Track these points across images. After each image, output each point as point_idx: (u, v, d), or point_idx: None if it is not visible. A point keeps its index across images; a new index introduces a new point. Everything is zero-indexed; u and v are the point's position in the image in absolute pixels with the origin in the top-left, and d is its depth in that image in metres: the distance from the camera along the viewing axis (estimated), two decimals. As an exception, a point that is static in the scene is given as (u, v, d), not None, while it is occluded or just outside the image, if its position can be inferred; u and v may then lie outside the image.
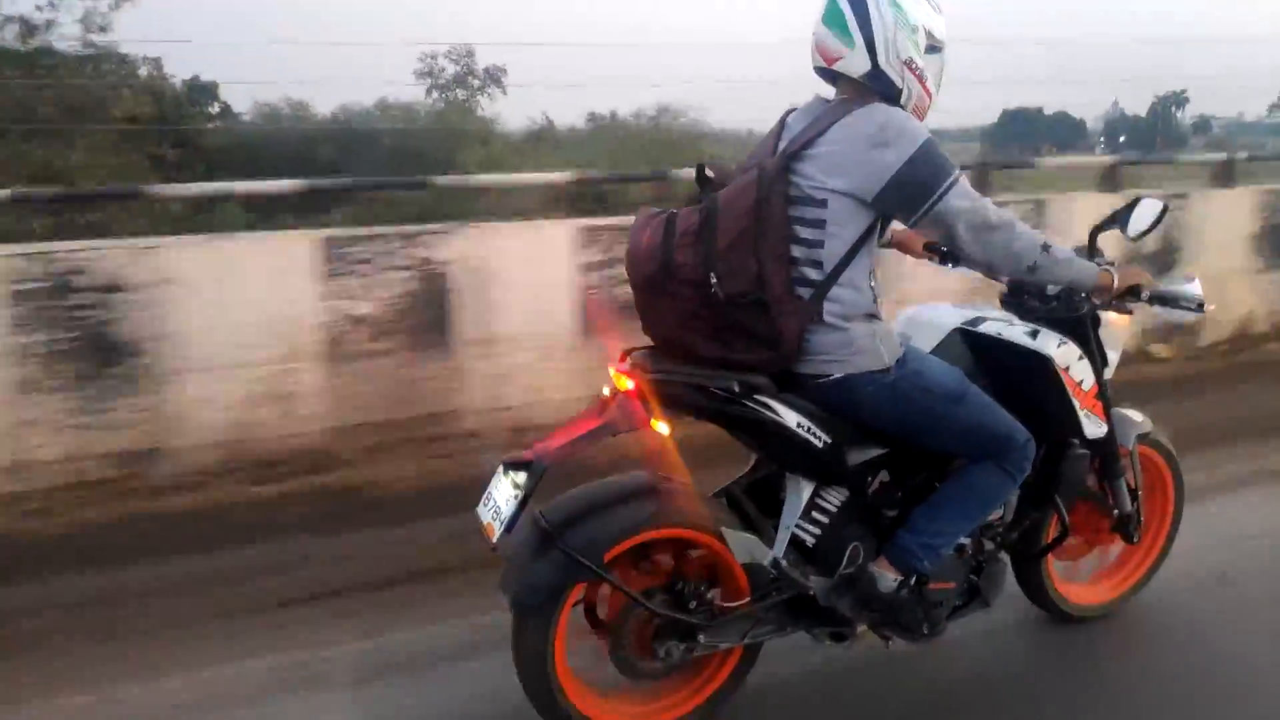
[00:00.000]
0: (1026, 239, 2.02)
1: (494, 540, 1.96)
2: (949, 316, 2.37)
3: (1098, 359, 2.41)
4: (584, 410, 2.11)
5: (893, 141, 1.96)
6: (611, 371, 2.07)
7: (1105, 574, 2.93)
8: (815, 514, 2.28)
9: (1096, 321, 2.42)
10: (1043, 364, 2.26)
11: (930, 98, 2.14)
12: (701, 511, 2.15)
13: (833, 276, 2.04)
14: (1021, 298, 2.50)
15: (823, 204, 2.01)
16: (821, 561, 2.27)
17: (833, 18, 2.05)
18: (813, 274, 2.04)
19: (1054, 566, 2.74)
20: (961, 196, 1.97)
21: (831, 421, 2.13)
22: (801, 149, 2.02)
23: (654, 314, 2.09)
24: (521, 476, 1.95)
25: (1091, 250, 2.38)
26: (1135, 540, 2.72)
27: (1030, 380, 2.30)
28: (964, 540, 2.40)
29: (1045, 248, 2.04)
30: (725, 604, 2.21)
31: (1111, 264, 2.22)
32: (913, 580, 2.23)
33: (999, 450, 2.19)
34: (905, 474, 2.36)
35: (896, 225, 2.22)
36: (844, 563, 2.24)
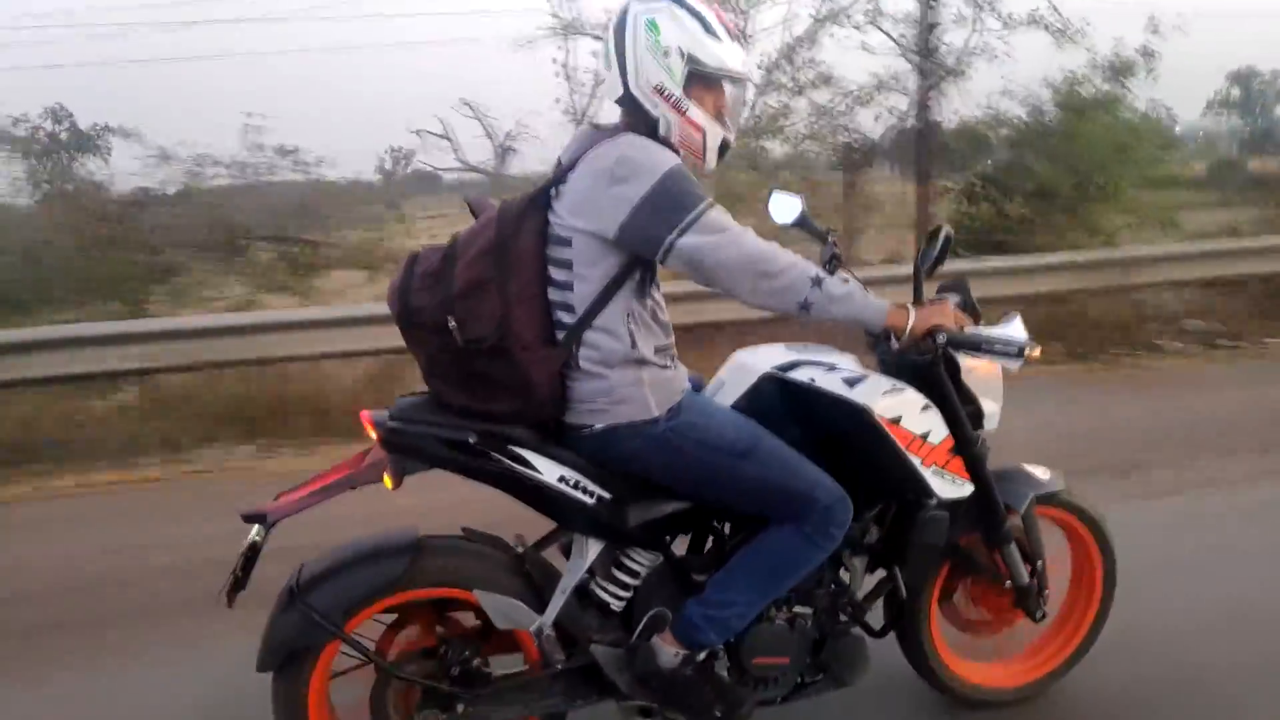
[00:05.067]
0: (793, 273, 1.80)
1: (217, 593, 1.88)
2: (764, 360, 2.13)
3: (957, 408, 2.11)
4: (344, 460, 2.02)
5: (630, 176, 1.80)
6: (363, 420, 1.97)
7: (1022, 656, 2.55)
8: (622, 575, 2.09)
9: (953, 366, 2.12)
10: (859, 415, 1.99)
11: (702, 133, 1.92)
12: (469, 571, 2.00)
13: (585, 321, 1.88)
14: (879, 340, 2.23)
15: (568, 243, 1.86)
16: (631, 629, 2.08)
17: (608, 38, 1.92)
18: (566, 318, 1.89)
19: (942, 640, 2.40)
20: (708, 230, 1.78)
21: (607, 476, 1.95)
22: (556, 183, 1.89)
23: (415, 358, 1.99)
24: (257, 529, 1.88)
25: (917, 288, 2.09)
26: (1038, 618, 2.36)
27: (850, 433, 2.03)
28: (801, 610, 2.14)
29: (817, 282, 1.80)
30: (501, 672, 2.05)
31: (914, 303, 1.95)
32: (701, 656, 1.99)
33: (798, 512, 1.94)
34: (722, 532, 2.14)
35: None
36: (637, 632, 2.04)
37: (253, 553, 1.85)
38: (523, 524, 2.10)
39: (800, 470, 1.94)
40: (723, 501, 1.98)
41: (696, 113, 1.90)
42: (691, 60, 1.87)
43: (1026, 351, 1.86)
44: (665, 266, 1.87)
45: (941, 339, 1.88)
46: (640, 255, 1.85)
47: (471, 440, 1.87)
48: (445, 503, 2.40)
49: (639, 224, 1.78)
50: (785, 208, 2.43)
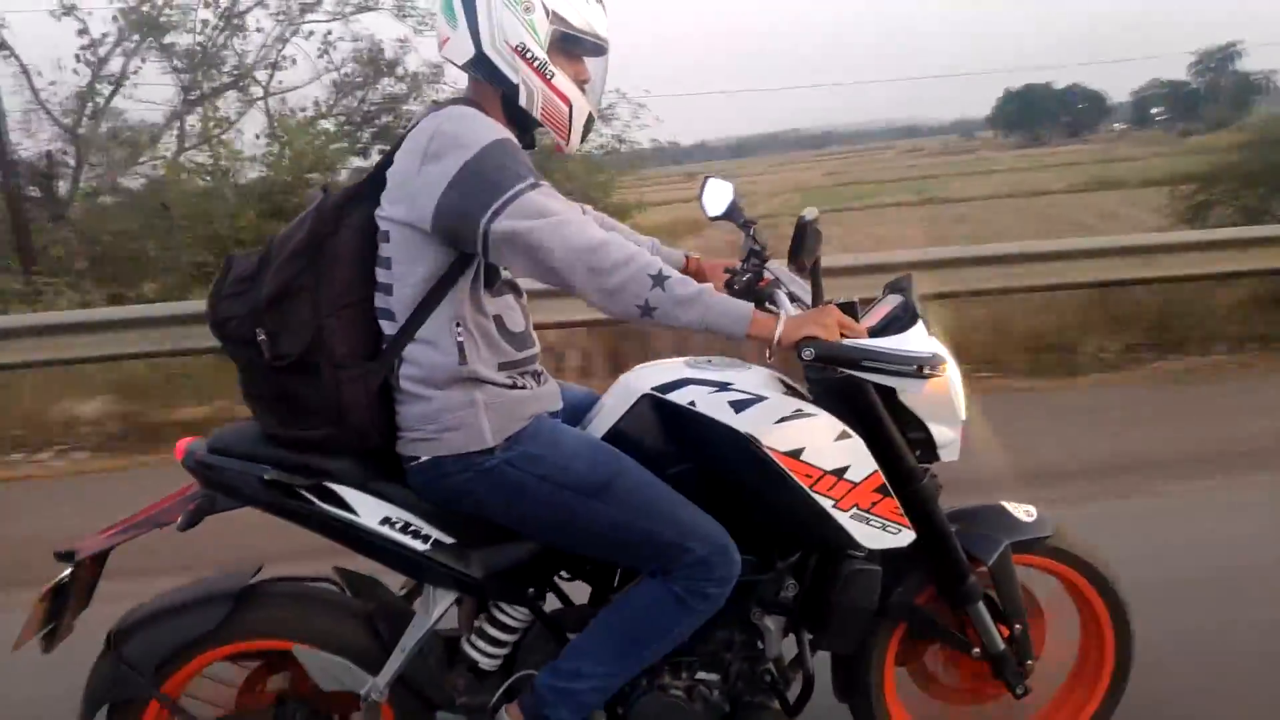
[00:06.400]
0: (630, 269, 1.46)
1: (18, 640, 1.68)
2: (650, 378, 1.78)
3: (892, 437, 1.71)
4: (173, 491, 1.80)
5: (444, 153, 1.51)
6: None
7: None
8: (494, 631, 1.79)
9: (885, 387, 1.71)
10: (742, 445, 1.62)
11: (569, 105, 1.64)
12: (297, 623, 1.74)
13: (406, 331, 1.59)
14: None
15: (387, 238, 1.59)
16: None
17: None
18: (389, 328, 1.62)
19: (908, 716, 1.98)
20: (525, 213, 1.47)
21: (447, 515, 1.66)
22: (384, 168, 1.62)
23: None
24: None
25: (816, 285, 1.69)
26: (1019, 693, 1.90)
27: (740, 468, 1.66)
28: (706, 677, 1.78)
29: (659, 281, 1.45)
30: None
31: (781, 307, 1.57)
32: None
33: (666, 564, 1.59)
34: (604, 581, 1.81)
35: None
36: (494, 700, 1.74)
37: (61, 593, 1.66)
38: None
39: (670, 513, 1.59)
40: (576, 549, 1.66)
41: (563, 81, 1.62)
42: (557, 19, 1.59)
43: (927, 370, 1.44)
44: (496, 261, 1.57)
45: (808, 354, 1.48)
46: (460, 248, 1.56)
47: (267, 476, 1.61)
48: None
49: (451, 207, 1.50)
50: (717, 196, 2.08)
